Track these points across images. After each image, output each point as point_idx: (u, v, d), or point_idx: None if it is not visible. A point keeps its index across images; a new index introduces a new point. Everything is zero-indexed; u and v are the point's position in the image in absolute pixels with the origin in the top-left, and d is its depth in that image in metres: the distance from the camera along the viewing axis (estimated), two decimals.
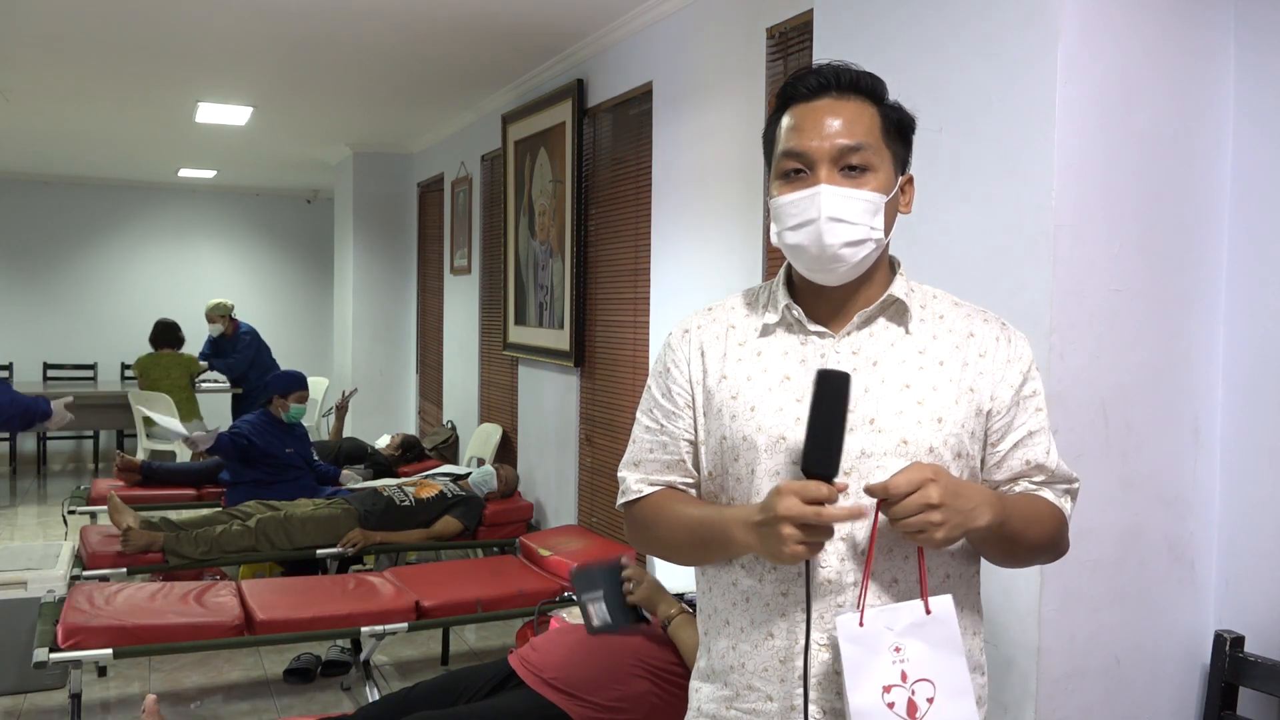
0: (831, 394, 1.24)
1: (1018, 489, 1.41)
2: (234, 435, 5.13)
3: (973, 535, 1.27)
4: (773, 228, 1.40)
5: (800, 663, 1.32)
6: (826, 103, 1.36)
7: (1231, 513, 2.37)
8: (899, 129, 1.40)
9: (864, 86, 1.38)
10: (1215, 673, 2.31)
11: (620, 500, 1.51)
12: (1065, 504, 1.43)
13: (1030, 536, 1.36)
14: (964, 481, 1.29)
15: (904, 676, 1.25)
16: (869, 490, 1.25)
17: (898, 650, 1.26)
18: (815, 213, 1.32)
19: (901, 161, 1.41)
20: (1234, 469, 2.36)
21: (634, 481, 1.48)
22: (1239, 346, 2.35)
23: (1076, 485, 1.46)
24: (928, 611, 1.28)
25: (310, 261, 10.84)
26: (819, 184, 1.33)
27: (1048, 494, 1.42)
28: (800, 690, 1.32)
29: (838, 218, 1.32)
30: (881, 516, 1.27)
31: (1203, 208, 2.35)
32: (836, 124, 1.34)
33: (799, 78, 1.39)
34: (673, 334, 1.51)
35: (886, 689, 1.25)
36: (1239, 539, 2.35)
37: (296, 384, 5.29)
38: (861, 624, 1.26)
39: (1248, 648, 2.29)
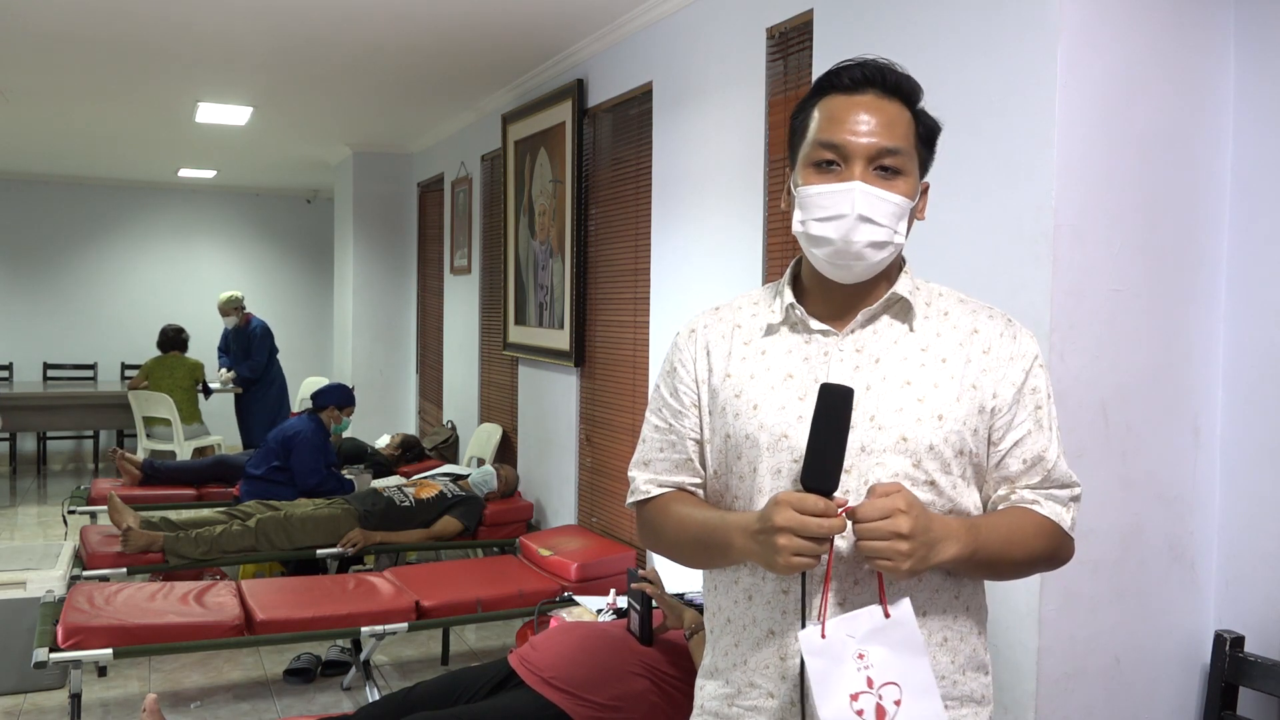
0: (834, 408, 1.23)
1: (1013, 497, 1.38)
2: None
3: (940, 567, 1.27)
4: (796, 215, 1.38)
5: (798, 660, 1.31)
6: (868, 99, 1.35)
7: (1231, 513, 2.37)
8: (927, 136, 1.40)
9: (905, 90, 1.37)
10: (1215, 673, 2.31)
11: (629, 500, 1.51)
12: (1064, 515, 1.39)
13: (1012, 557, 1.34)
14: (934, 514, 1.27)
15: (870, 682, 1.25)
16: (841, 507, 1.24)
17: (861, 657, 1.25)
18: (848, 209, 1.32)
19: (925, 168, 1.41)
20: (1234, 469, 2.36)
21: (643, 482, 1.49)
22: (1239, 346, 2.35)
23: (1078, 491, 1.41)
24: (886, 615, 1.27)
25: (310, 261, 10.83)
26: (854, 180, 1.32)
27: (1044, 507, 1.38)
28: (799, 688, 1.32)
29: (868, 217, 1.32)
30: (844, 541, 1.29)
31: (1203, 208, 2.35)
32: (876, 123, 1.33)
33: (844, 68, 1.38)
34: (680, 334, 1.52)
35: (854, 697, 1.24)
36: (1239, 539, 2.35)
37: (352, 399, 5.65)
38: (824, 635, 1.26)
39: (1248, 648, 2.29)
